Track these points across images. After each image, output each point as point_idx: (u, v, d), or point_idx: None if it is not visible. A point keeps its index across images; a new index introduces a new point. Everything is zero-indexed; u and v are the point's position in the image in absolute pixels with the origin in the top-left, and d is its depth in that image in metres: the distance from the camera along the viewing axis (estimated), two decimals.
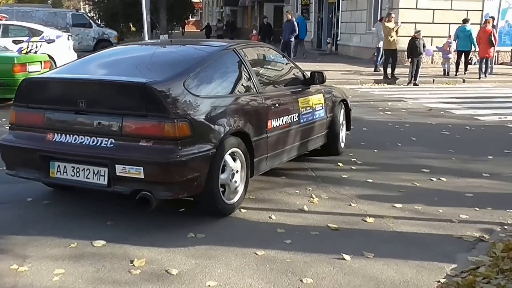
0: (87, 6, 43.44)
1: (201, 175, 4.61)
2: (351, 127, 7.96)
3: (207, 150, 4.62)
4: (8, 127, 5.39)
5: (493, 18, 18.73)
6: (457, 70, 18.61)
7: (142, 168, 4.37)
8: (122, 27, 36.83)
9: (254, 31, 25.38)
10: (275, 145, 5.75)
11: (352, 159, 7.09)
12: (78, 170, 4.68)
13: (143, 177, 4.38)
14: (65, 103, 4.81)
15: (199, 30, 45.29)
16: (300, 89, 6.51)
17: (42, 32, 18.28)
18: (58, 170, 4.76)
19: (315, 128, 6.73)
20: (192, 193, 4.65)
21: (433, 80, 17.38)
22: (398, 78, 16.95)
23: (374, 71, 18.91)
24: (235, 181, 5.07)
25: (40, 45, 12.60)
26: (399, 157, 7.31)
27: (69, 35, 19.68)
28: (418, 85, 16.36)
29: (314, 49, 29.25)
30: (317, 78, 6.67)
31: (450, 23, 20.93)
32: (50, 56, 17.65)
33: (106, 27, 33.12)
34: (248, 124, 5.20)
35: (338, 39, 27.12)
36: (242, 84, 5.53)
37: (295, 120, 6.14)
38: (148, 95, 4.44)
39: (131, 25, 37.24)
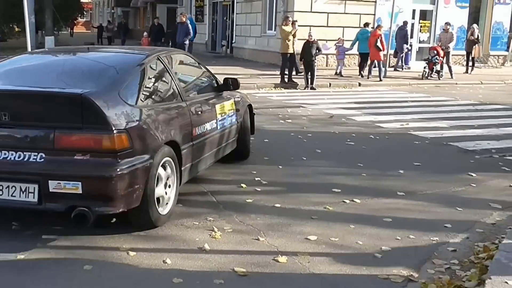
0: None
1: (140, 187, 4.45)
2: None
3: (145, 161, 4.49)
4: None
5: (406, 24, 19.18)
6: (360, 72, 19.00)
7: (80, 183, 4.15)
8: (4, 28, 34.51)
9: (145, 33, 24.18)
10: (199, 152, 5.70)
11: (256, 178, 6.41)
12: (1, 188, 4.30)
13: (80, 192, 4.17)
14: None
15: (89, 31, 43.26)
16: (215, 95, 6.51)
17: None
18: None
19: (230, 134, 6.69)
20: (131, 206, 4.43)
21: (330, 84, 17.13)
22: (297, 84, 16.54)
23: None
24: (168, 191, 4.95)
25: None
26: (306, 174, 6.70)
27: None
28: (315, 89, 16.01)
29: (208, 51, 28.52)
30: (231, 84, 6.65)
31: (344, 27, 20.95)
32: None
33: None
34: (178, 133, 5.15)
35: (233, 41, 26.56)
36: (170, 92, 5.48)
37: (213, 126, 6.10)
38: (85, 106, 4.25)
39: (15, 26, 34.89)
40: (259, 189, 6.02)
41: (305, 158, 7.51)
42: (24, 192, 4.25)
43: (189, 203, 5.50)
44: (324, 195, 5.86)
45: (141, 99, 4.84)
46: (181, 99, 5.47)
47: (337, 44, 19.36)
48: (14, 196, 4.27)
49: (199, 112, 5.72)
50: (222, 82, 6.70)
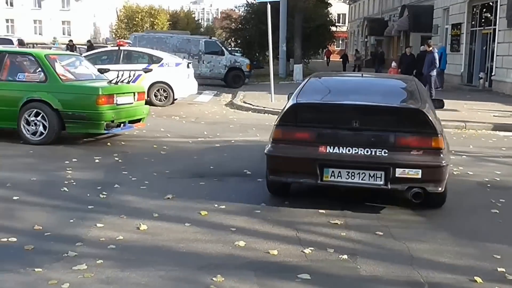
0: (223, 33, 43.01)
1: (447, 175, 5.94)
2: None
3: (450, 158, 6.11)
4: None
5: None
6: None
7: (420, 170, 5.63)
8: (259, 55, 35.65)
9: (394, 64, 22.62)
10: None
11: (499, 269, 4.50)
12: (353, 174, 5.82)
13: (420, 177, 5.65)
14: (338, 122, 5.98)
15: (354, 60, 42.93)
16: None
17: (162, 59, 17.08)
18: (332, 175, 5.86)
19: None
20: (444, 188, 5.92)
21: None
22: None
23: None
24: None
25: (134, 74, 10.97)
26: None
27: (188, 62, 18.35)
28: None
29: (463, 84, 25.89)
30: (437, 103, 7.58)
31: None
32: (167, 84, 16.55)
33: (243, 55, 32.05)
34: None
35: (493, 74, 23.63)
36: None
37: None
38: (421, 117, 5.83)
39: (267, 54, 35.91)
40: None
41: None
42: (373, 177, 5.78)
43: None
44: None
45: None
46: None
47: None
48: (364, 180, 5.81)
49: None
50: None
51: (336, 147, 5.81)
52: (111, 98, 9.67)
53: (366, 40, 51.73)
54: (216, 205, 6.15)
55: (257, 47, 33.88)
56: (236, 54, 30.73)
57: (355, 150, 5.76)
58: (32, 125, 9.48)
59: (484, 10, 25.67)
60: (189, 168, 8.06)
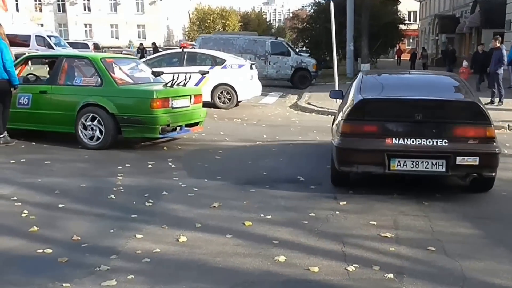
0: (292, 33, 42.75)
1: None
2: None
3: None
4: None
5: None
6: None
7: (477, 157, 6.21)
8: (326, 55, 35.16)
9: (465, 63, 21.65)
10: None
11: None
12: (417, 163, 6.33)
13: (477, 164, 6.23)
14: (402, 116, 6.52)
15: (419, 59, 41.13)
16: None
17: (225, 60, 16.98)
18: (398, 164, 6.37)
19: None
20: (495, 174, 6.58)
21: None
22: None
23: None
24: None
25: (189, 77, 10.83)
26: None
27: (252, 64, 18.13)
28: None
29: None
30: None
31: None
32: (230, 86, 16.44)
33: (310, 55, 31.71)
34: None
35: None
36: None
37: None
38: (476, 109, 6.45)
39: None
40: None
41: None
42: (435, 165, 6.30)
43: None
44: None
45: None
46: None
47: None
48: (427, 168, 6.34)
49: None
50: None
51: (402, 139, 6.36)
52: (166, 101, 9.54)
53: (437, 38, 50.13)
54: (262, 215, 5.92)
55: (324, 46, 33.38)
56: (302, 54, 30.40)
57: (419, 141, 6.32)
58: (89, 130, 9.50)
59: None
60: (241, 174, 7.86)
